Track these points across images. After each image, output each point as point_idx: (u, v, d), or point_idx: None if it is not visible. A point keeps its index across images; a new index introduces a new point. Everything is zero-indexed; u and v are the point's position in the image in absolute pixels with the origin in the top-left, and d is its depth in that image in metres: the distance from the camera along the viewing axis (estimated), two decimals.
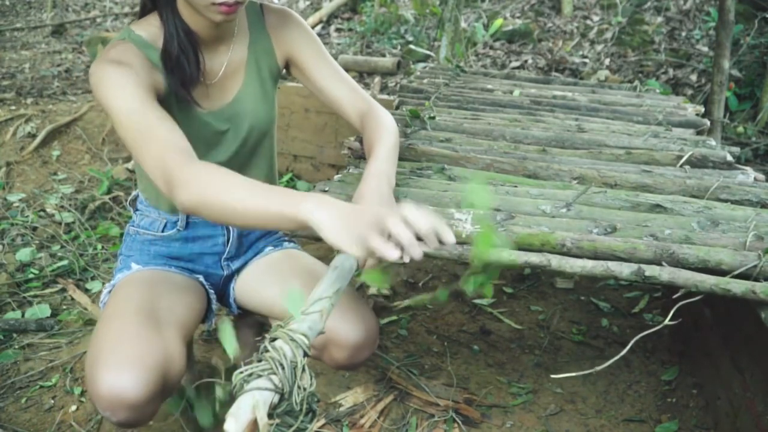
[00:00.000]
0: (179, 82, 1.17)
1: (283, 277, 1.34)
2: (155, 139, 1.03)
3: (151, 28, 1.18)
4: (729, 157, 1.44)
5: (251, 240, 1.43)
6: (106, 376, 1.02)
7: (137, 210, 1.39)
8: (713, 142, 1.59)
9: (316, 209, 0.89)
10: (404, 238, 0.85)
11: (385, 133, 1.25)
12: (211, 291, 1.38)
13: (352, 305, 1.23)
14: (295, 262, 1.39)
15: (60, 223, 2.62)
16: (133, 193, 1.43)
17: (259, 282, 1.38)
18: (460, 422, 1.58)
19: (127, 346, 1.06)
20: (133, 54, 1.13)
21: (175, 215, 1.35)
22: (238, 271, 1.42)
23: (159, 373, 1.06)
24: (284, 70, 1.38)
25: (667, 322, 0.98)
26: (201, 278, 1.37)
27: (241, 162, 1.32)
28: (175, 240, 1.36)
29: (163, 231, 1.35)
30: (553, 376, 1.67)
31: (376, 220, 0.87)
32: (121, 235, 1.31)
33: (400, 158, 1.47)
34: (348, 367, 1.32)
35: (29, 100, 3.72)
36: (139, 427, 1.09)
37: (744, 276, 0.98)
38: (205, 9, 1.09)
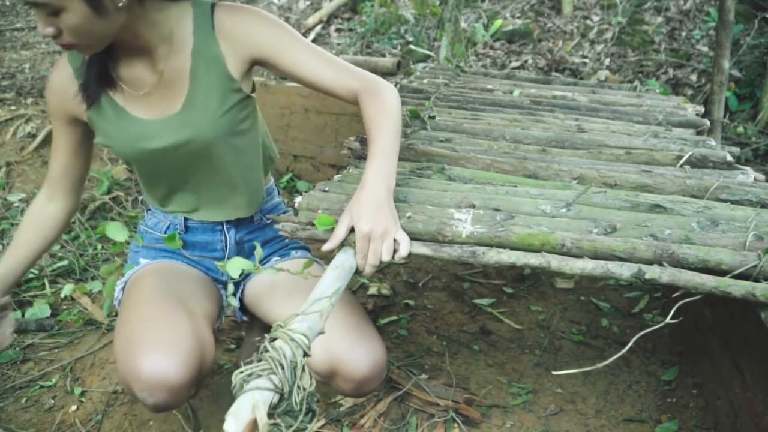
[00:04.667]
0: (87, 90, 1.19)
1: (292, 290, 1.32)
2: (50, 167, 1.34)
3: None
4: (729, 157, 1.44)
5: (252, 246, 1.42)
6: (147, 358, 1.03)
7: (149, 209, 1.41)
8: (713, 142, 1.59)
9: None
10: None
11: (384, 117, 1.16)
12: (221, 287, 1.38)
13: (361, 334, 1.20)
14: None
15: None
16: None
17: (267, 293, 1.36)
18: (460, 422, 1.58)
19: (164, 330, 1.08)
20: (63, 75, 1.22)
21: (176, 218, 1.36)
22: (246, 278, 1.42)
23: (197, 357, 1.09)
24: (250, 69, 1.28)
25: (667, 321, 0.98)
26: (211, 273, 1.38)
27: (191, 171, 1.28)
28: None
29: (165, 232, 1.37)
30: (554, 372, 1.67)
31: None
32: None
33: (400, 158, 1.46)
34: (355, 397, 1.33)
35: (29, 100, 3.72)
36: (170, 410, 1.10)
37: (744, 276, 0.98)
38: None
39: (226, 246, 1.38)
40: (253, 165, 1.35)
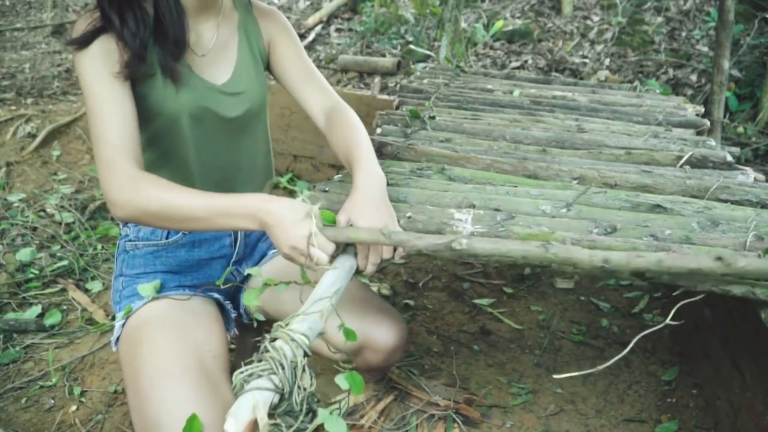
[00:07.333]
0: (169, 49, 1.12)
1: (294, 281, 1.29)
2: (106, 138, 1.06)
3: None
4: (729, 158, 1.44)
5: (252, 241, 1.41)
6: None
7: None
8: (713, 143, 1.59)
9: (269, 201, 1.00)
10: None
11: (360, 130, 1.26)
12: (227, 302, 1.33)
13: (382, 309, 1.29)
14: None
15: (60, 223, 2.62)
16: None
17: (268, 293, 1.32)
18: (460, 422, 1.58)
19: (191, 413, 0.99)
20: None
21: None
22: (247, 278, 1.40)
23: None
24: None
25: (667, 321, 0.98)
26: (215, 295, 1.30)
27: (236, 141, 1.30)
28: (180, 246, 1.30)
29: (167, 237, 1.28)
30: (554, 376, 1.67)
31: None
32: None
33: (400, 158, 1.47)
34: (381, 369, 1.37)
35: (29, 100, 3.72)
36: None
37: None
38: None
39: (235, 241, 1.35)
40: (268, 149, 1.43)
